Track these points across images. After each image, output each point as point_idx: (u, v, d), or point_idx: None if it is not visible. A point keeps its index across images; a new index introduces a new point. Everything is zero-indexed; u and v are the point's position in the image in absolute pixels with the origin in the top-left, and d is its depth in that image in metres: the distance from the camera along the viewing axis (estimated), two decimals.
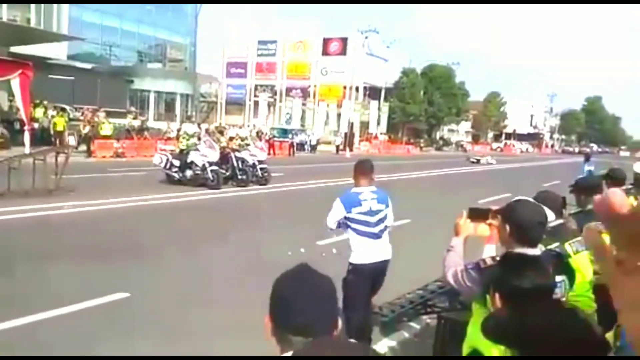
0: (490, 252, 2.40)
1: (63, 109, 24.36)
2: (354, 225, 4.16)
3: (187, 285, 5.82)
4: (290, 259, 7.06)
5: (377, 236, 4.13)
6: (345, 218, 4.18)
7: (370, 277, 4.13)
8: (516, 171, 29.99)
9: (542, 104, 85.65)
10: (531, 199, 2.46)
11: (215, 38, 54.88)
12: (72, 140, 20.52)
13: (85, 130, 22.17)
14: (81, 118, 24.56)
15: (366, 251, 4.10)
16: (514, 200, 2.30)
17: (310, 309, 1.22)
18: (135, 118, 29.04)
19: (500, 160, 37.02)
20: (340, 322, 1.30)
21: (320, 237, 8.31)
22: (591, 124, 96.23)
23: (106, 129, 23.29)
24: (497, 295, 1.74)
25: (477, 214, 2.34)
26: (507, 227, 2.18)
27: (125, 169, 16.93)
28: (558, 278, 2.15)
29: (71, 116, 24.38)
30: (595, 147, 77.26)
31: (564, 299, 2.19)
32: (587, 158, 16.79)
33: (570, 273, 2.28)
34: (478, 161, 34.79)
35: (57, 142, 19.86)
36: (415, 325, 5.10)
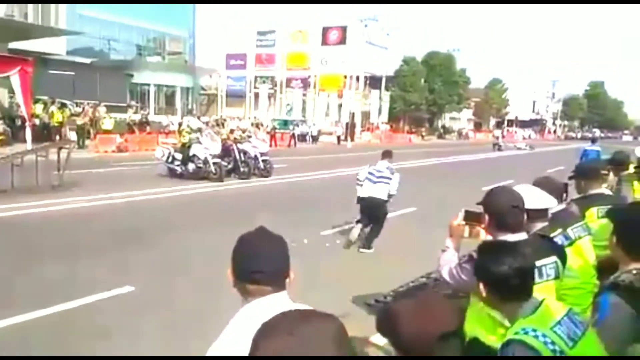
0: None
1: (64, 105, 24.37)
2: (368, 176, 7.21)
3: (191, 277, 5.86)
4: (294, 249, 7.12)
5: (374, 186, 7.15)
6: (368, 172, 7.25)
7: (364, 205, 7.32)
8: (520, 157, 29.93)
9: (544, 89, 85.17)
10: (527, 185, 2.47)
11: (214, 30, 54.45)
12: (73, 136, 20.53)
13: (79, 122, 22.16)
14: (81, 112, 24.55)
15: (364, 189, 7.21)
16: (492, 188, 2.29)
17: (261, 262, 1.43)
18: (136, 112, 29.07)
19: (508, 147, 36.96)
20: (291, 275, 1.49)
21: (324, 228, 8.35)
22: (594, 109, 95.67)
23: (107, 124, 23.32)
24: (481, 285, 1.75)
25: (472, 217, 2.34)
26: (487, 216, 2.20)
27: (128, 163, 16.97)
28: (549, 259, 2.15)
29: (72, 111, 24.37)
30: (598, 132, 76.89)
31: (556, 279, 2.19)
32: (594, 140, 17.08)
33: (562, 254, 2.28)
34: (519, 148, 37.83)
35: (58, 137, 19.88)
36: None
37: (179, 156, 14.17)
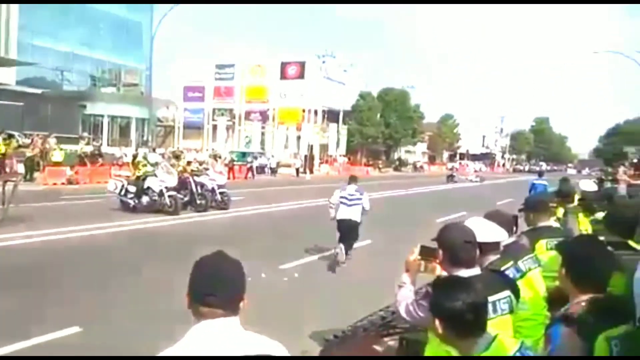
0: None
1: (11, 136, 23.38)
2: (342, 201, 8.18)
3: (141, 317, 5.63)
4: (251, 284, 6.99)
5: (348, 209, 8.17)
6: (340, 197, 8.23)
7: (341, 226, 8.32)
8: (472, 190, 30.86)
9: (493, 124, 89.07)
10: (483, 219, 2.54)
11: (172, 62, 54.28)
12: (20, 168, 19.64)
13: (28, 154, 21.30)
14: (29, 144, 23.61)
15: (340, 212, 8.21)
16: (445, 224, 2.34)
17: (215, 285, 1.46)
18: (88, 144, 28.24)
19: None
20: (244, 303, 1.52)
21: (282, 261, 8.26)
22: (540, 144, 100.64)
23: (57, 156, 22.49)
24: (436, 321, 1.77)
25: (427, 252, 2.35)
26: (441, 252, 2.24)
27: (78, 196, 16.36)
28: (502, 294, 2.20)
29: (20, 143, 23.38)
30: (544, 165, 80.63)
31: (511, 313, 2.23)
32: (541, 174, 17.81)
33: (515, 288, 2.33)
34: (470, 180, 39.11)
35: (4, 170, 18.97)
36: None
37: (132, 189, 13.78)
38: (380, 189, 25.41)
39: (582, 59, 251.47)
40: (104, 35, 42.12)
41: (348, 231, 8.31)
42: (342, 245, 8.32)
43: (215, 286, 1.47)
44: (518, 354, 1.62)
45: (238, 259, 1.58)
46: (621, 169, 7.46)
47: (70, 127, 31.69)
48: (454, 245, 2.19)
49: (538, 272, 2.89)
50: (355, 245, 9.40)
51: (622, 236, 3.03)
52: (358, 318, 5.31)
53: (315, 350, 4.54)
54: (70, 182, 20.72)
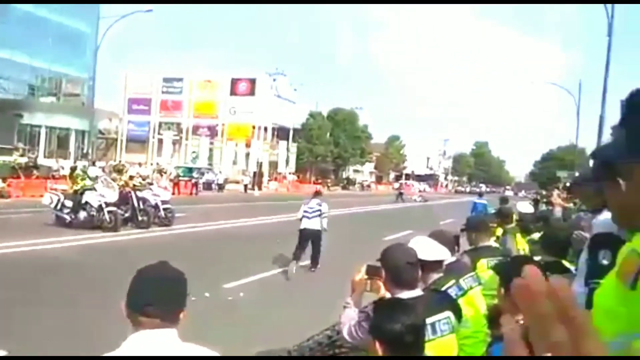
0: None
1: None
2: (304, 214, 9.25)
3: (71, 340, 5.30)
4: (194, 304, 6.77)
5: (309, 220, 9.24)
6: (304, 211, 9.32)
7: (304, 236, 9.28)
8: (416, 209, 31.64)
9: (436, 147, 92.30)
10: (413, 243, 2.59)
11: (116, 73, 52.75)
12: None
13: None
14: None
15: (303, 223, 9.24)
16: (389, 245, 2.37)
17: (153, 295, 1.46)
18: (22, 155, 26.76)
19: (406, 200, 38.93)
20: (183, 314, 1.51)
21: (226, 280, 8.07)
22: (480, 166, 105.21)
23: None
24: (376, 343, 1.76)
25: (373, 271, 2.35)
26: (384, 273, 2.25)
27: (9, 210, 15.37)
28: (442, 315, 2.23)
29: None
30: (484, 187, 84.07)
31: (452, 334, 2.25)
32: (480, 195, 18.61)
33: (455, 308, 2.37)
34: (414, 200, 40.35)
35: None
36: None
37: (69, 203, 13.10)
38: (329, 207, 25.55)
39: (520, 88, 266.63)
40: (45, 42, 40.32)
41: (309, 237, 9.29)
42: (294, 262, 9.06)
43: (155, 296, 1.46)
44: None
45: (181, 270, 1.56)
46: (555, 192, 7.90)
47: (4, 137, 29.91)
48: (396, 266, 2.21)
49: (478, 291, 2.97)
50: (302, 263, 9.42)
51: (557, 256, 3.18)
52: (304, 337, 5.25)
53: None
54: (1, 195, 19.48)
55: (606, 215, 1.66)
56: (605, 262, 1.52)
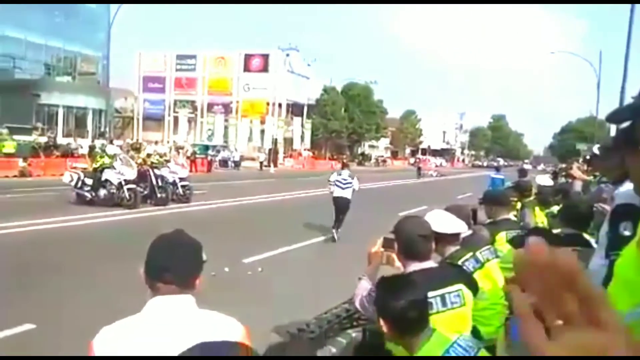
0: None
1: None
2: (337, 184, 10.46)
3: (97, 313, 5.46)
4: (214, 279, 6.88)
5: (341, 189, 10.44)
6: (336, 180, 10.54)
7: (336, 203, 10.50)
8: (432, 184, 31.48)
9: (453, 121, 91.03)
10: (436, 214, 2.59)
11: (131, 51, 52.74)
12: None
13: None
14: None
15: (335, 192, 10.47)
16: (402, 217, 2.36)
17: (169, 262, 1.50)
18: (42, 134, 27.16)
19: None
20: (199, 280, 1.56)
21: (246, 255, 8.19)
22: (497, 140, 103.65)
23: (9, 147, 21.53)
24: (381, 321, 1.77)
25: (390, 244, 2.34)
26: (396, 245, 2.25)
27: (31, 189, 15.70)
28: (453, 287, 2.22)
29: None
30: (501, 161, 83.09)
31: (464, 307, 2.24)
32: (498, 169, 18.35)
33: (470, 281, 2.36)
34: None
35: None
36: (342, 339, 5.14)
37: (89, 181, 13.32)
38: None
39: (538, 59, 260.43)
40: (59, 22, 40.39)
41: (341, 205, 10.60)
42: (335, 229, 10.51)
43: (171, 262, 1.50)
44: (451, 350, 1.66)
45: (197, 240, 1.61)
46: (575, 165, 7.77)
47: (23, 117, 30.31)
48: (408, 238, 2.21)
49: (495, 264, 2.97)
50: (320, 238, 9.56)
51: (577, 229, 3.15)
52: (323, 311, 5.34)
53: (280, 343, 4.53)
54: (22, 174, 19.87)
55: (628, 186, 1.63)
56: (626, 233, 1.51)
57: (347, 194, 10.50)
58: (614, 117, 0.88)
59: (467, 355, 1.61)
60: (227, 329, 1.49)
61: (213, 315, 1.53)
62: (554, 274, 0.44)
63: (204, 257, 1.62)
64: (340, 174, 10.83)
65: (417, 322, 1.71)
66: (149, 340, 1.40)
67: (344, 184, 10.54)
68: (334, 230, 10.46)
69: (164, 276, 1.49)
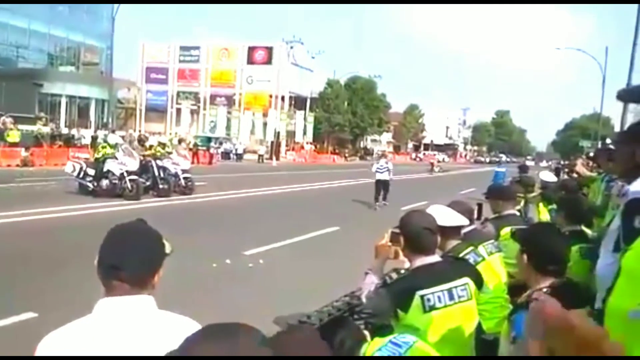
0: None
1: None
2: (378, 169, 14.75)
3: (95, 300, 5.47)
4: (215, 270, 6.90)
5: (381, 173, 14.65)
6: (377, 167, 14.84)
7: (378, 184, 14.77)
8: (436, 179, 31.44)
9: (456, 116, 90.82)
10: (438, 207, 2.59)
11: (134, 42, 52.59)
12: None
13: None
14: None
15: (377, 176, 14.64)
16: (407, 212, 2.34)
17: (120, 257, 1.36)
18: (45, 124, 27.15)
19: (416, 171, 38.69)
20: (155, 282, 1.41)
21: (247, 247, 8.20)
22: (500, 136, 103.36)
23: (13, 136, 21.54)
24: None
25: (396, 237, 2.33)
26: (402, 239, 2.24)
27: (34, 179, 15.73)
28: (460, 281, 2.20)
29: None
30: (504, 157, 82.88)
31: (471, 301, 2.23)
32: (500, 163, 18.38)
33: (475, 275, 2.35)
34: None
35: None
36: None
37: (91, 172, 13.31)
38: (347, 177, 25.54)
39: (544, 55, 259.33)
40: (62, 12, 40.30)
41: (382, 185, 14.74)
42: (376, 202, 14.56)
43: (125, 258, 1.36)
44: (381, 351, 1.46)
45: (156, 230, 1.47)
46: (579, 161, 7.72)
47: (26, 107, 30.26)
48: (414, 231, 2.20)
49: (498, 257, 2.96)
50: (322, 231, 9.57)
51: (579, 224, 3.14)
52: (324, 303, 5.33)
53: None
54: (25, 163, 19.91)
55: None
56: None
57: (385, 176, 14.70)
58: (626, 95, 0.85)
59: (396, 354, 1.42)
60: (184, 333, 1.38)
61: (170, 318, 1.39)
62: (576, 338, 0.44)
63: (168, 248, 1.48)
64: (379, 162, 15.20)
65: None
66: (97, 347, 1.29)
67: (382, 169, 14.66)
68: (376, 204, 14.48)
69: (116, 274, 1.35)
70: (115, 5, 32.67)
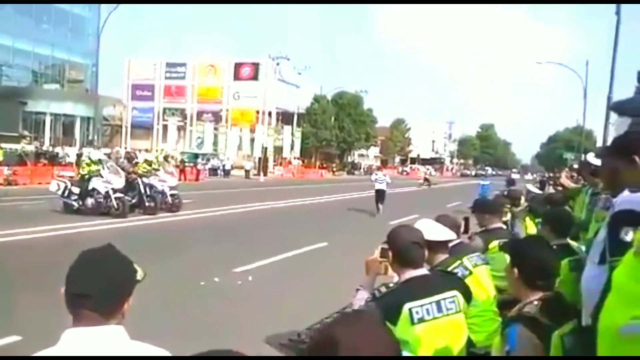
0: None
1: None
2: (377, 180, 17.42)
3: None
4: (203, 289, 6.81)
5: (380, 184, 17.16)
6: (375, 178, 17.68)
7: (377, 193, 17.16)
8: (422, 193, 31.61)
9: (441, 130, 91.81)
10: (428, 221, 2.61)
11: (120, 59, 52.47)
12: None
13: None
14: None
15: (376, 186, 17.20)
16: (395, 226, 2.36)
17: (87, 286, 1.32)
18: (29, 143, 26.86)
19: (403, 185, 38.88)
20: (124, 310, 1.36)
21: (236, 265, 8.12)
22: (485, 149, 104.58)
23: None
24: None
25: (386, 253, 2.33)
26: (391, 254, 2.25)
27: (17, 198, 15.49)
28: (448, 293, 2.21)
29: None
30: (489, 170, 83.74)
31: (460, 314, 2.24)
32: (485, 176, 18.67)
33: (464, 288, 2.36)
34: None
35: None
36: None
37: (76, 190, 13.15)
38: (335, 192, 25.56)
39: (526, 70, 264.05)
40: (47, 29, 40.17)
41: (380, 194, 16.95)
42: (378, 207, 16.82)
43: (93, 287, 1.31)
44: None
45: (126, 256, 1.42)
46: (564, 173, 7.85)
47: (9, 125, 29.94)
48: (402, 246, 2.21)
49: (485, 269, 2.97)
50: (310, 247, 9.55)
51: (564, 237, 3.18)
52: (313, 321, 5.30)
53: (271, 354, 4.48)
54: (8, 182, 19.61)
55: (628, 193, 1.63)
56: (627, 238, 1.51)
57: (383, 186, 17.00)
58: (619, 107, 0.87)
59: None
60: None
61: (140, 349, 1.33)
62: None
63: (140, 275, 1.43)
64: (377, 174, 17.84)
65: None
66: None
67: (380, 180, 17.08)
68: (376, 209, 16.75)
69: (83, 303, 1.31)
70: (101, 22, 32.67)
